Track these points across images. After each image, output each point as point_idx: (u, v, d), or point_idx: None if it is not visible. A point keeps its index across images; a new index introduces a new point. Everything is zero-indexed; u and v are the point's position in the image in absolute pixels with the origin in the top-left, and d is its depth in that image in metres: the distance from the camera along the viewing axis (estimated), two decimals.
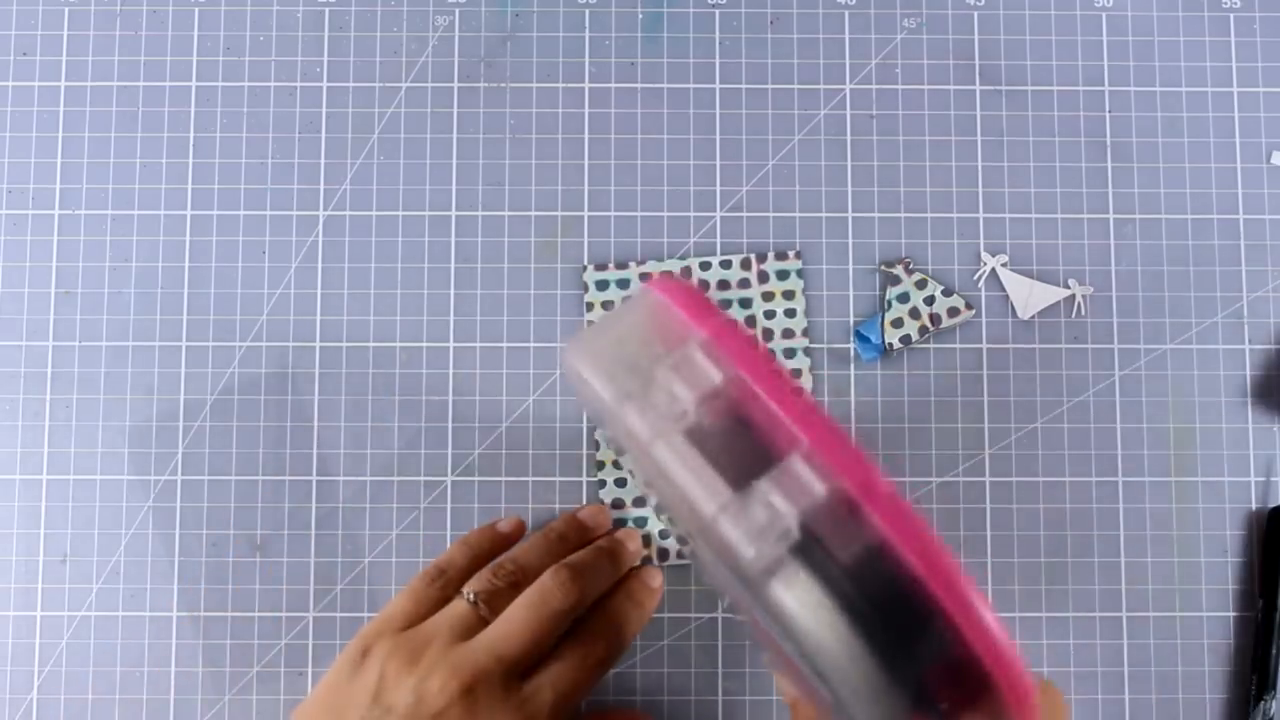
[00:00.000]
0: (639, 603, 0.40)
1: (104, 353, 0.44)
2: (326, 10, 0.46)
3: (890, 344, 0.43)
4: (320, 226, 0.45)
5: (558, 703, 0.36)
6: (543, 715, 0.36)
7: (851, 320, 0.44)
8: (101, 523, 0.43)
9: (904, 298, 0.44)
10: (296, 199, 0.45)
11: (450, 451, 0.44)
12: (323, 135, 0.45)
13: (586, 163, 0.45)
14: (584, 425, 0.44)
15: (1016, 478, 0.44)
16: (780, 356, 0.43)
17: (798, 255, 0.44)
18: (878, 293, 0.44)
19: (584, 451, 0.44)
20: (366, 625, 0.38)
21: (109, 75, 0.45)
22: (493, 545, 0.41)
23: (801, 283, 0.44)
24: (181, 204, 0.45)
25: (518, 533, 0.42)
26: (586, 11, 0.46)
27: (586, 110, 0.45)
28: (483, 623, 0.37)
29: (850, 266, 0.44)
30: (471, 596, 0.38)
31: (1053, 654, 0.43)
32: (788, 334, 0.44)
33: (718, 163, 0.45)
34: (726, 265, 0.44)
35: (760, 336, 0.43)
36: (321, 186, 0.45)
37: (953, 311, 0.44)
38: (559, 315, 0.44)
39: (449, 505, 0.43)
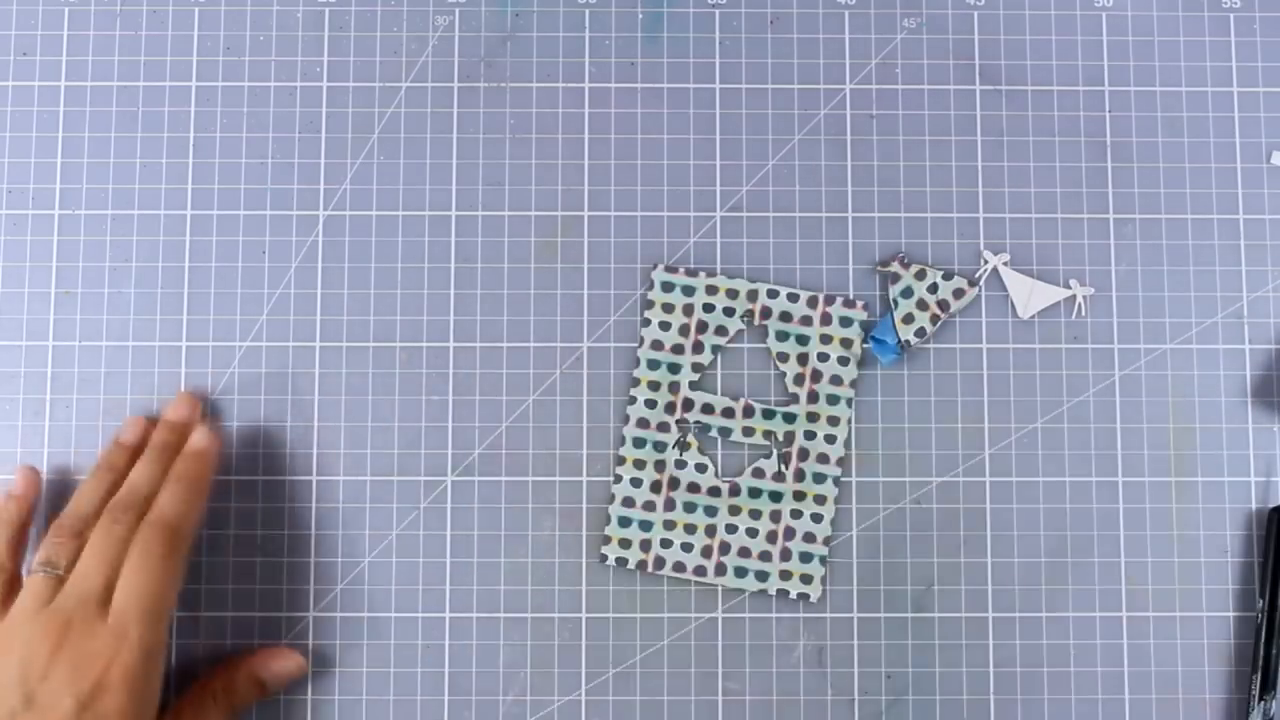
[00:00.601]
0: (189, 480, 0.41)
1: (104, 353, 0.44)
2: (326, 10, 0.46)
3: (907, 341, 0.43)
4: (320, 226, 0.45)
5: (143, 606, 0.37)
6: (132, 625, 0.37)
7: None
8: None
9: (908, 292, 0.44)
10: (296, 199, 0.45)
11: (450, 451, 0.44)
12: (323, 135, 0.45)
13: (586, 163, 0.45)
14: (584, 425, 0.44)
15: (1016, 478, 0.44)
16: (823, 400, 0.43)
17: (865, 307, 0.44)
18: (880, 293, 0.44)
19: (584, 451, 0.44)
20: None
21: (109, 75, 0.45)
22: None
23: (861, 334, 0.44)
24: (181, 204, 0.45)
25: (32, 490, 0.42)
26: (586, 11, 0.46)
27: (586, 110, 0.45)
28: (60, 582, 0.38)
29: (850, 266, 0.44)
30: (40, 568, 0.38)
31: (1053, 654, 0.43)
32: (835, 380, 0.44)
33: (718, 163, 0.45)
34: (794, 299, 0.44)
35: (809, 376, 0.44)
36: (321, 186, 0.45)
37: (958, 294, 0.44)
38: (559, 315, 0.44)
39: (449, 505, 0.43)
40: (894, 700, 0.43)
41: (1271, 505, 0.43)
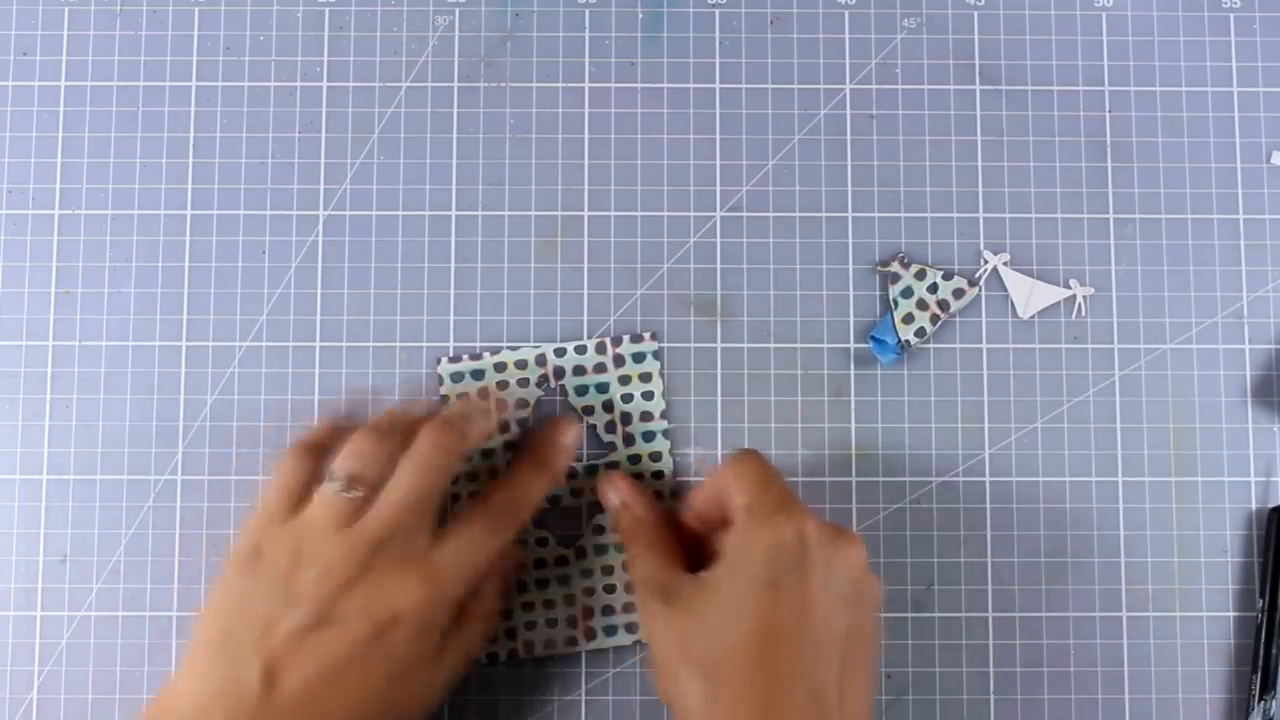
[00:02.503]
0: (546, 465, 0.40)
1: (104, 353, 0.44)
2: (326, 10, 0.46)
3: (907, 341, 0.43)
4: (320, 226, 0.45)
5: (460, 572, 0.37)
6: (445, 584, 0.36)
7: (852, 320, 0.44)
8: (101, 523, 0.43)
9: (908, 292, 0.44)
10: (296, 199, 0.45)
11: None
12: (323, 135, 0.45)
13: (586, 163, 0.45)
14: (584, 425, 0.44)
15: (1016, 478, 0.44)
16: (640, 440, 0.43)
17: (653, 337, 0.44)
18: (880, 293, 0.44)
19: (584, 450, 0.44)
20: (247, 522, 0.38)
21: (109, 75, 0.45)
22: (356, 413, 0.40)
23: (658, 364, 0.43)
24: (181, 204, 0.45)
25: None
26: (586, 11, 0.46)
27: (586, 110, 0.45)
28: (364, 504, 0.37)
29: (850, 266, 0.44)
30: (341, 484, 0.37)
31: (1053, 654, 0.43)
32: (646, 416, 0.43)
33: (718, 163, 0.45)
34: (582, 351, 0.43)
35: (619, 421, 0.43)
36: (321, 186, 0.45)
37: (958, 294, 0.44)
38: (559, 315, 0.44)
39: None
40: (894, 700, 0.43)
41: (1271, 505, 0.43)
